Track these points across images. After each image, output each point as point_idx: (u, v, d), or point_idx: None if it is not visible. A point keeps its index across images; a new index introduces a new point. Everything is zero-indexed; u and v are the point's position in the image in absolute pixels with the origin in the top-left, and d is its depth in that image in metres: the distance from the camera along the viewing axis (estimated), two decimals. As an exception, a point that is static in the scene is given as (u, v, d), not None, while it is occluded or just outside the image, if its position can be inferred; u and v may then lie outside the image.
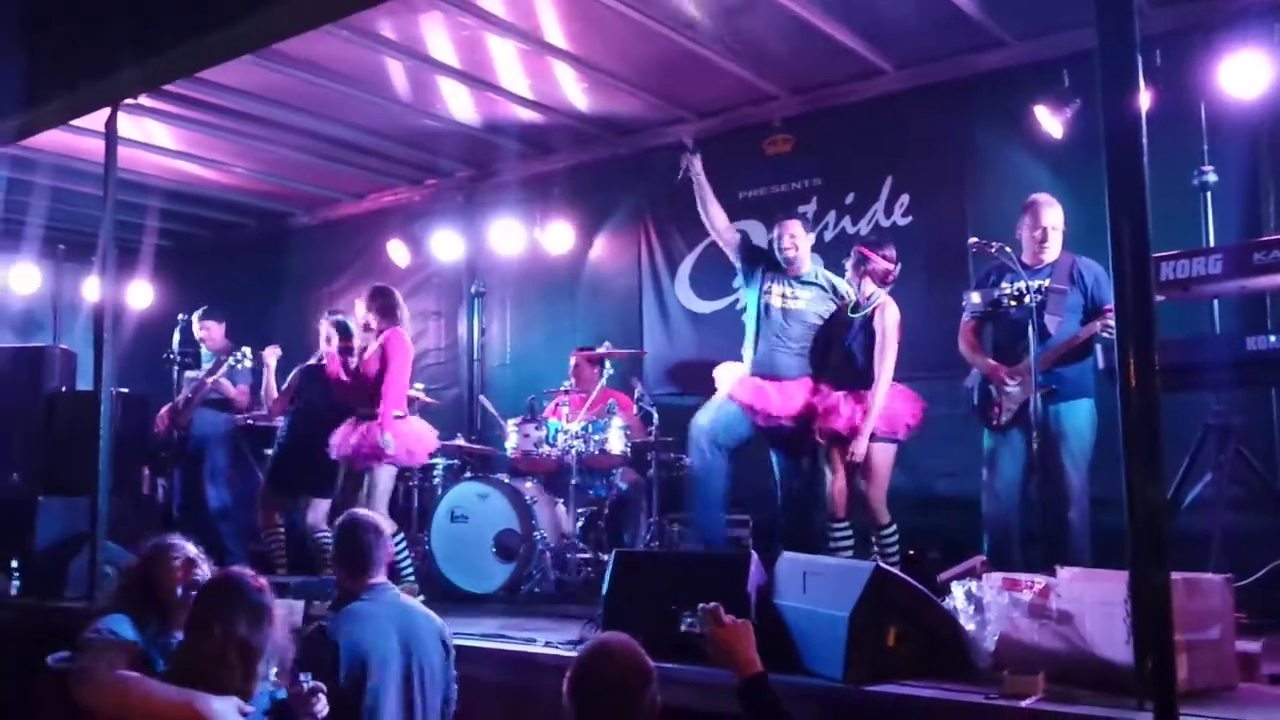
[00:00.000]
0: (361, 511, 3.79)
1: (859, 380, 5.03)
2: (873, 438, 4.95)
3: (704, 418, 5.42)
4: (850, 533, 5.16)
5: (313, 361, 6.53)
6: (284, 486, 6.33)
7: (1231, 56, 5.05)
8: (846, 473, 5.05)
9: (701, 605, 2.71)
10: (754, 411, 5.28)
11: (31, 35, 5.26)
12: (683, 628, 2.72)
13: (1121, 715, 2.68)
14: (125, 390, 7.02)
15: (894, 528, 5.06)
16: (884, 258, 5.15)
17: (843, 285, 5.42)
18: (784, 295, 5.39)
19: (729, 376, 5.51)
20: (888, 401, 4.98)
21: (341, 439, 5.65)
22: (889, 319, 5.04)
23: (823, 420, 5.07)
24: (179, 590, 3.06)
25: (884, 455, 4.99)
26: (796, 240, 5.39)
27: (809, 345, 5.34)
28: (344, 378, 5.83)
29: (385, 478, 5.62)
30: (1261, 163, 5.30)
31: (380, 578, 3.48)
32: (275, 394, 6.47)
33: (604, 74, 6.38)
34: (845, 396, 5.03)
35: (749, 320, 5.52)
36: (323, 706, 2.82)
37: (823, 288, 5.43)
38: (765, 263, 5.53)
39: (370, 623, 3.32)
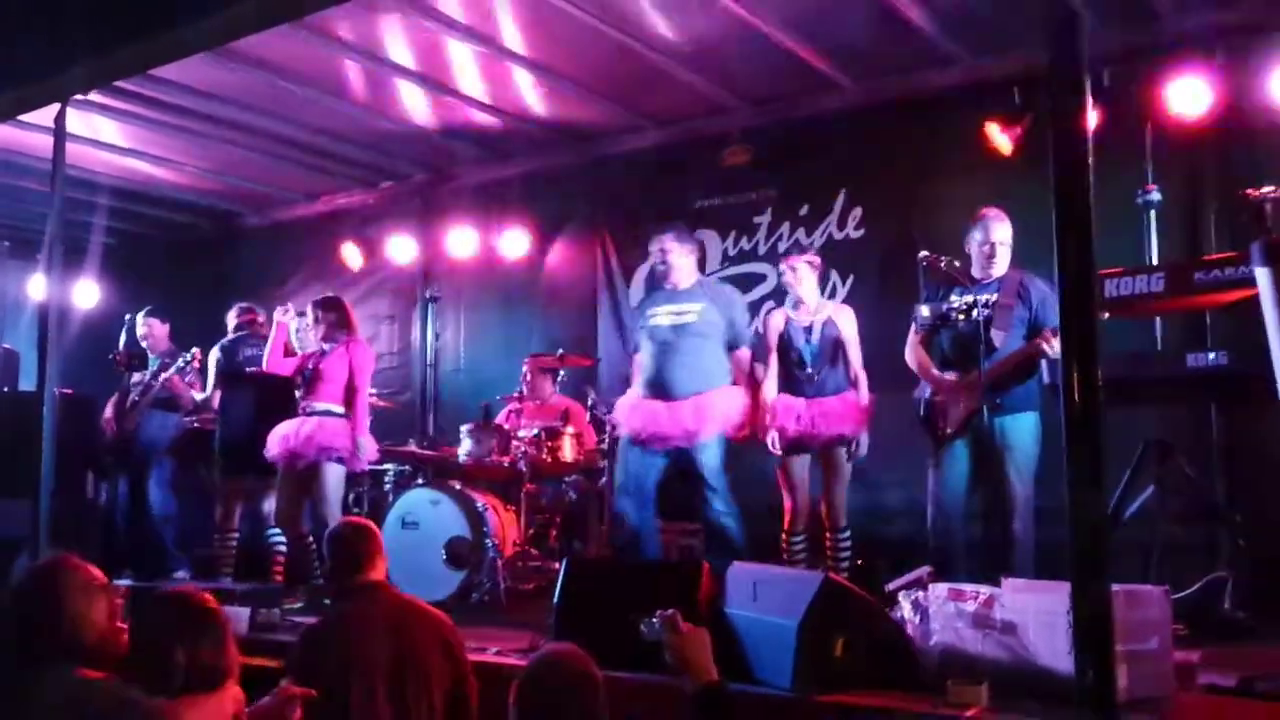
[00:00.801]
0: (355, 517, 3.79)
1: (835, 384, 5.24)
2: (842, 442, 5.17)
3: (619, 476, 5.31)
4: (806, 544, 5.27)
5: (229, 340, 6.56)
6: (240, 467, 6.21)
7: (1175, 79, 5.18)
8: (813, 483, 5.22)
9: (659, 612, 2.72)
10: (645, 435, 5.11)
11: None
12: (644, 633, 2.72)
13: (1062, 724, 2.73)
14: (69, 391, 6.87)
15: (849, 531, 5.19)
16: (814, 256, 5.47)
17: (728, 295, 5.36)
18: (672, 313, 5.21)
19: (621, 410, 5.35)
20: (850, 404, 5.18)
21: (293, 433, 5.60)
22: (847, 319, 5.31)
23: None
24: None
25: (845, 461, 5.20)
26: (669, 255, 5.25)
27: (702, 360, 5.13)
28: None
29: (335, 478, 5.61)
30: (1203, 183, 5.44)
31: (375, 576, 3.44)
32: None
33: (562, 80, 6.39)
34: (830, 403, 5.21)
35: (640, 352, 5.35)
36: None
37: (711, 300, 5.25)
38: (647, 293, 5.40)
39: (362, 621, 3.29)
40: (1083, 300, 2.91)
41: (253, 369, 6.32)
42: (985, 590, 3.25)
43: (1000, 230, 4.82)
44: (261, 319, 6.66)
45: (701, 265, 6.93)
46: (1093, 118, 4.33)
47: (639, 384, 5.28)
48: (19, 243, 9.02)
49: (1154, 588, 3.22)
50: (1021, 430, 4.60)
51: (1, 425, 6.24)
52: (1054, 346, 4.25)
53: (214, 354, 6.56)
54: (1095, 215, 2.89)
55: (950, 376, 4.75)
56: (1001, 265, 4.81)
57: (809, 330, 5.31)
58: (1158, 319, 4.97)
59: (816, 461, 5.27)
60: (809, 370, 5.27)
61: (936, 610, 3.29)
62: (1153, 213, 5.07)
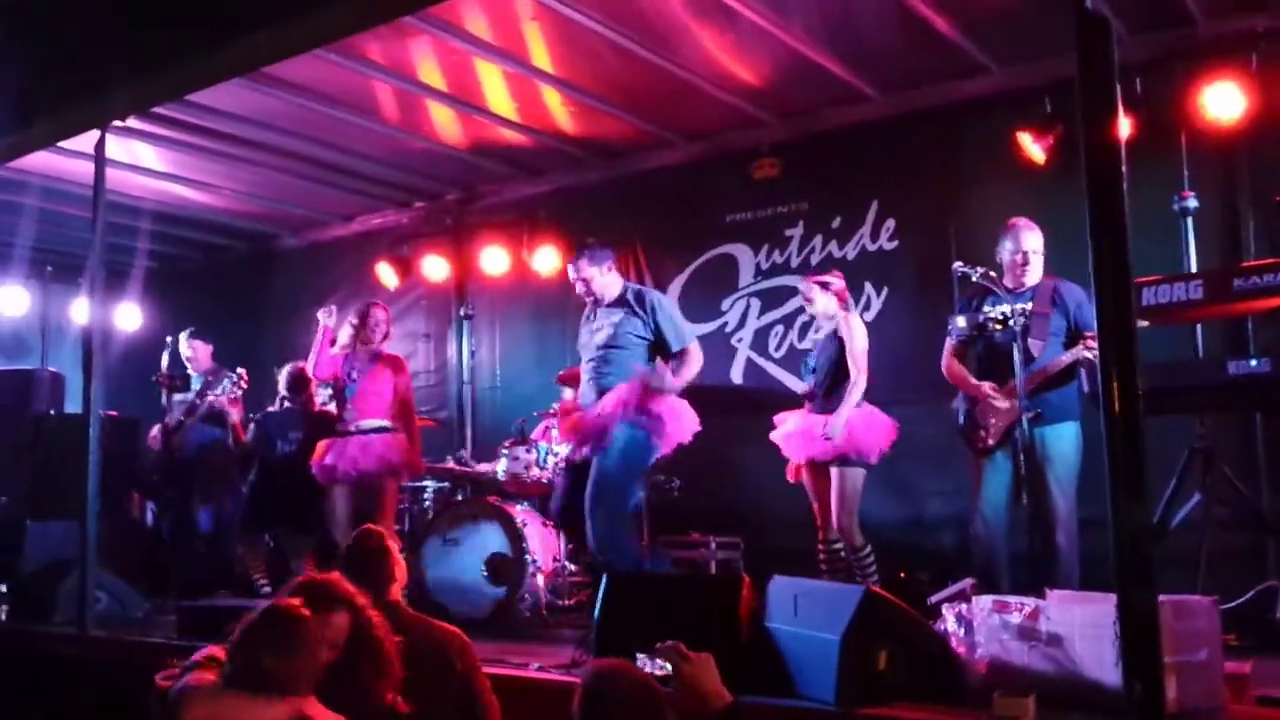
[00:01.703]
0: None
1: (834, 399, 5.21)
2: (841, 462, 5.08)
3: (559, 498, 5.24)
4: (843, 549, 5.26)
5: (271, 409, 6.68)
6: (265, 519, 6.34)
7: (1210, 84, 5.14)
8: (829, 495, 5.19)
9: (659, 645, 2.67)
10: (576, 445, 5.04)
11: (23, 57, 5.29)
12: (655, 672, 2.68)
13: (1111, 736, 2.71)
14: (114, 413, 6.99)
15: (869, 548, 5.16)
16: (839, 279, 5.42)
17: (652, 303, 5.11)
18: (591, 331, 5.15)
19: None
20: (859, 427, 5.11)
21: (348, 451, 5.66)
22: (853, 324, 5.27)
23: (805, 442, 5.19)
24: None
25: (852, 480, 5.11)
26: (591, 284, 5.11)
27: (607, 369, 5.00)
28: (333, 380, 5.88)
29: (393, 493, 5.69)
30: (1240, 188, 5.39)
31: (393, 595, 3.45)
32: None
33: (591, 98, 6.43)
34: (824, 419, 5.18)
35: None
36: None
37: (629, 307, 5.06)
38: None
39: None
40: (1120, 308, 2.90)
41: (289, 451, 6.41)
42: (1030, 602, 3.23)
43: (1031, 239, 4.80)
44: (314, 393, 6.71)
45: (734, 280, 7.02)
46: (1125, 125, 4.34)
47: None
48: (62, 268, 9.17)
49: (1202, 598, 3.19)
50: (1062, 440, 4.57)
51: (49, 448, 6.36)
52: (1095, 351, 4.22)
53: (253, 428, 6.72)
54: (1131, 223, 2.88)
55: (989, 387, 4.72)
56: (1034, 274, 4.79)
57: (814, 349, 5.42)
58: (1198, 326, 4.93)
59: (827, 477, 5.21)
60: (811, 387, 5.36)
61: (981, 623, 3.27)
62: (1189, 219, 5.03)
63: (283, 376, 6.71)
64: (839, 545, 5.25)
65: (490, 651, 4.44)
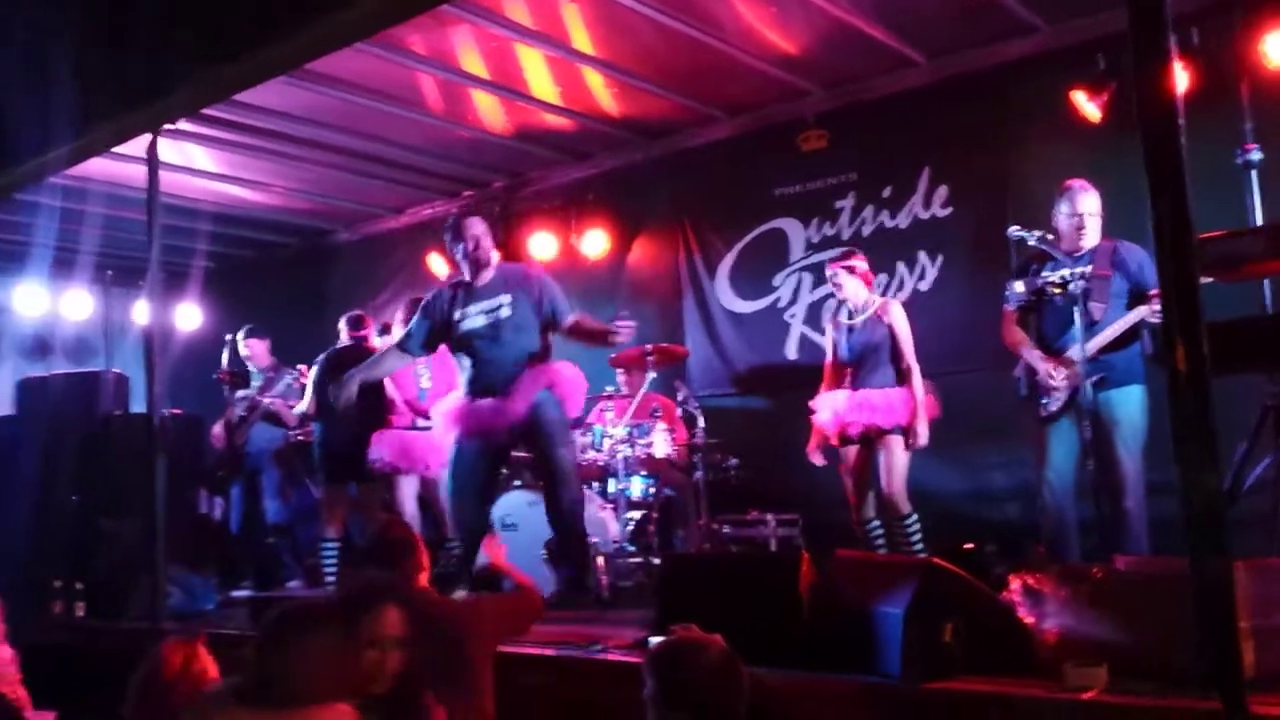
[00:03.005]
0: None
1: (882, 378, 5.18)
2: (892, 432, 5.10)
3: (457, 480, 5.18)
4: (883, 530, 5.25)
5: (332, 353, 6.56)
6: (341, 476, 6.31)
7: (1271, 31, 4.96)
8: (871, 473, 5.20)
9: (673, 627, 2.65)
10: (472, 435, 5.05)
11: (77, 65, 5.37)
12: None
13: (1187, 705, 2.64)
14: (178, 411, 7.12)
15: (914, 516, 5.12)
16: (862, 260, 5.39)
17: (525, 276, 5.21)
18: (484, 312, 5.08)
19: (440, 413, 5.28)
20: (894, 398, 5.13)
21: (416, 445, 5.77)
22: (896, 313, 5.24)
23: (866, 417, 5.14)
24: None
25: (901, 448, 5.11)
26: (482, 240, 5.11)
27: (518, 353, 5.04)
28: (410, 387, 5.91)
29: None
30: (1308, 138, 5.21)
31: (421, 584, 3.47)
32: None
33: (633, 78, 6.40)
34: (869, 395, 5.17)
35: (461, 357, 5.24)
36: None
37: (516, 287, 5.10)
38: (446, 301, 5.19)
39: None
40: (1182, 266, 2.81)
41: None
42: (1099, 570, 3.16)
43: (1087, 201, 4.68)
44: (371, 332, 6.71)
45: (784, 255, 6.95)
46: (1183, 78, 4.21)
47: (464, 389, 5.18)
48: (122, 271, 9.34)
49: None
50: (1128, 404, 4.47)
51: (116, 447, 6.50)
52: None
53: (314, 369, 6.65)
54: (1191, 178, 2.80)
55: (1050, 353, 4.62)
56: (1092, 237, 4.67)
57: (851, 330, 5.34)
58: (1265, 282, 4.78)
59: (870, 452, 5.21)
60: (849, 367, 5.32)
61: (1049, 592, 3.21)
62: (1254, 173, 4.86)
63: (344, 319, 6.71)
64: (876, 525, 5.24)
65: (552, 634, 4.47)
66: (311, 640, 2.42)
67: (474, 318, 5.07)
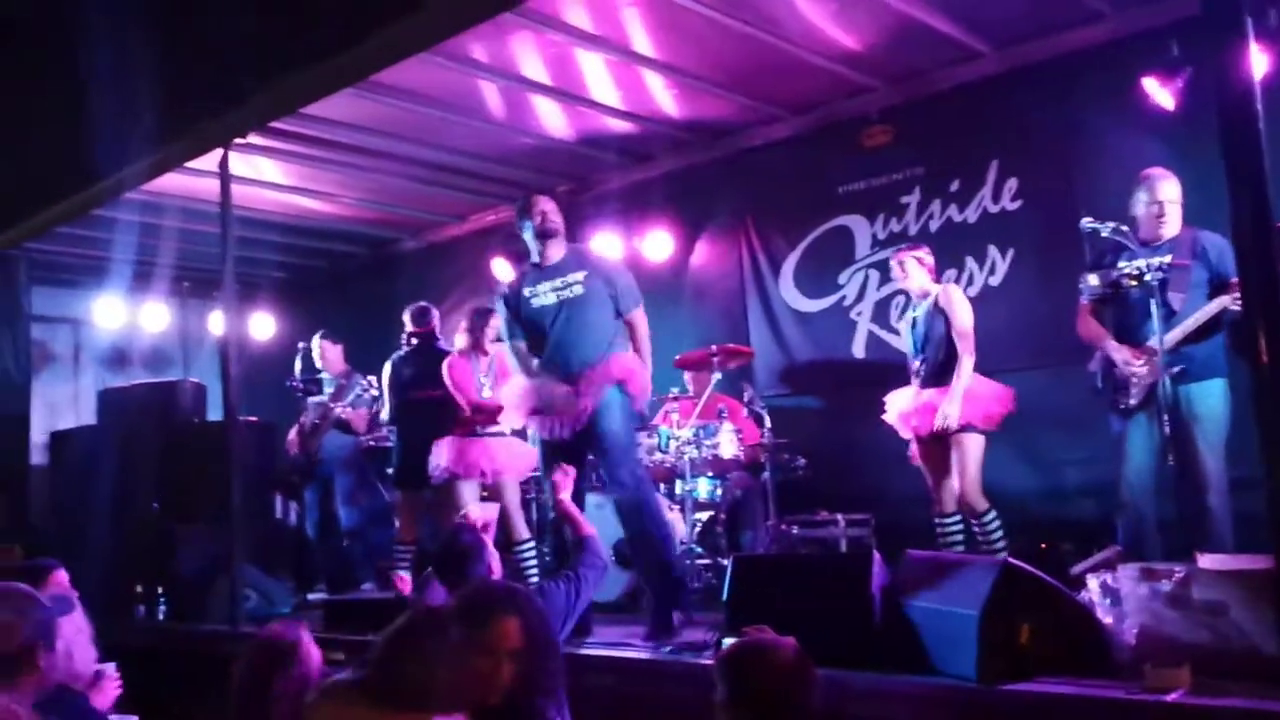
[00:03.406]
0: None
1: (945, 374, 5.10)
2: (961, 429, 5.00)
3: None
4: (961, 526, 5.15)
5: (398, 356, 6.61)
6: (416, 483, 6.28)
7: (1356, 9, 4.79)
8: (947, 468, 5.11)
9: (745, 630, 2.62)
10: (534, 414, 4.86)
11: (150, 83, 5.52)
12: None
13: (1273, 707, 2.56)
14: (254, 419, 7.27)
15: (993, 514, 5.03)
16: (927, 253, 5.34)
17: (599, 259, 5.05)
18: (554, 290, 4.91)
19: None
20: (971, 393, 5.03)
21: (476, 453, 5.73)
22: (955, 298, 5.15)
23: (923, 423, 5.10)
24: None
25: (974, 446, 5.02)
26: (549, 214, 4.95)
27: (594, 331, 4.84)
28: (473, 392, 5.93)
29: (517, 489, 5.77)
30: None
31: None
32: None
33: (694, 79, 6.38)
34: (937, 393, 5.09)
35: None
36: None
37: (591, 268, 4.92)
38: (516, 282, 5.08)
39: None
40: (1263, 256, 2.74)
41: (416, 393, 6.38)
42: (1180, 568, 3.08)
43: (1167, 189, 4.56)
44: (437, 326, 6.74)
45: (850, 252, 6.89)
46: (1261, 62, 4.09)
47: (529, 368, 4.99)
48: (198, 282, 9.61)
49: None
50: (1209, 397, 4.34)
51: (194, 455, 6.65)
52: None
53: (386, 369, 6.70)
54: (1271, 165, 2.72)
55: (1129, 348, 4.51)
56: (1173, 226, 4.55)
57: (915, 323, 5.28)
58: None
59: (943, 446, 5.13)
60: (916, 361, 5.26)
61: (1129, 592, 3.13)
62: (1338, 158, 4.70)
63: (407, 313, 6.69)
64: (953, 521, 5.16)
65: (620, 635, 4.48)
66: (441, 645, 2.46)
67: (544, 295, 4.90)
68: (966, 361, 5.03)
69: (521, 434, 5.98)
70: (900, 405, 5.27)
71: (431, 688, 2.40)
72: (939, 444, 5.14)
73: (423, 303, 6.77)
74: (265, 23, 5.18)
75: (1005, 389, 5.11)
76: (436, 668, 2.41)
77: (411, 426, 6.30)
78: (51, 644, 2.74)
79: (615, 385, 4.76)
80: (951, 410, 4.96)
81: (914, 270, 5.28)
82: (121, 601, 6.29)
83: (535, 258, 5.01)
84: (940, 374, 5.12)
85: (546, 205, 4.99)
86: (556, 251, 4.96)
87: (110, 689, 3.45)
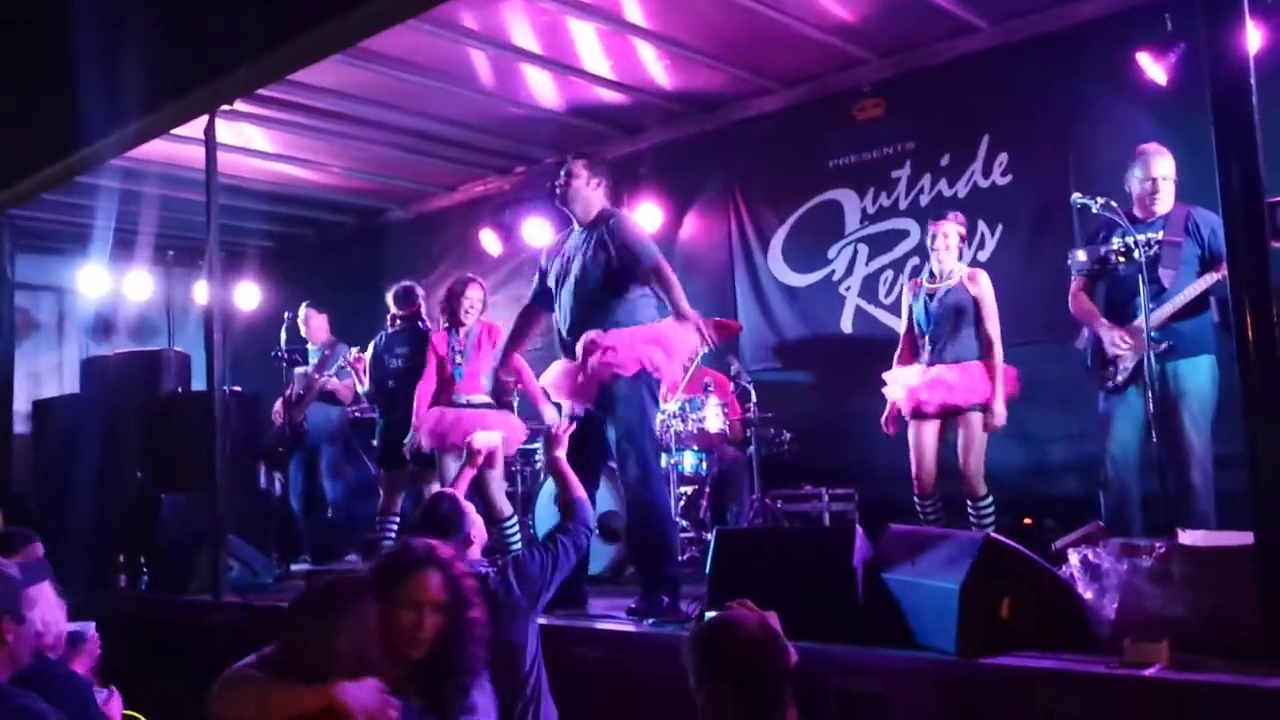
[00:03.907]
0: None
1: (960, 348, 5.02)
2: (972, 408, 4.94)
3: None
4: (940, 507, 5.14)
5: (383, 337, 6.56)
6: (399, 460, 6.33)
7: (1351, -15, 4.76)
8: (936, 450, 5.06)
9: (729, 603, 2.62)
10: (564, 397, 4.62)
11: (134, 49, 5.45)
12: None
13: (1251, 682, 2.57)
14: (238, 389, 7.24)
15: (990, 498, 5.00)
16: (964, 223, 5.22)
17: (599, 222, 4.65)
18: (570, 256, 4.66)
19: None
20: (973, 372, 4.98)
21: (451, 426, 5.67)
22: (985, 282, 5.07)
23: (941, 396, 5.01)
24: None
25: (979, 428, 4.95)
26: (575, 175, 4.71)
27: (583, 309, 4.57)
28: (458, 360, 5.88)
29: (502, 460, 5.73)
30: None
31: (472, 557, 3.46)
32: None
33: (686, 50, 6.33)
34: (951, 369, 5.00)
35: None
36: None
37: (600, 238, 4.60)
38: (549, 248, 4.92)
39: None
40: (1252, 231, 2.73)
41: (399, 375, 6.31)
42: (1161, 544, 3.08)
43: (1161, 165, 4.53)
44: (422, 307, 6.65)
45: (839, 226, 6.86)
46: (1256, 38, 4.06)
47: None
48: (183, 251, 9.53)
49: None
50: (1196, 374, 4.33)
51: (179, 425, 6.62)
52: None
53: (369, 350, 6.64)
54: (1263, 141, 2.71)
55: (1117, 322, 4.49)
56: (1165, 202, 4.52)
57: (933, 295, 5.15)
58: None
59: (948, 430, 5.06)
60: (926, 338, 5.13)
61: (1110, 567, 3.13)
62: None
63: (390, 294, 6.57)
64: (932, 502, 5.09)
65: (603, 607, 4.48)
66: (337, 617, 2.41)
67: (555, 264, 4.73)
68: (999, 347, 4.97)
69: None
70: (908, 380, 5.10)
71: (332, 655, 2.37)
72: (936, 423, 5.05)
73: (407, 282, 6.64)
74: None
75: (1010, 369, 5.05)
76: (337, 634, 2.38)
77: (394, 408, 6.27)
78: (19, 615, 2.63)
79: (622, 365, 4.39)
80: (1000, 409, 4.91)
81: (952, 241, 5.11)
82: (104, 571, 6.27)
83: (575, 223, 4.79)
84: (953, 352, 5.01)
85: (570, 167, 4.78)
86: (583, 216, 4.73)
87: (92, 650, 3.43)
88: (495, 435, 4.52)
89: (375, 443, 6.47)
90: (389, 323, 6.61)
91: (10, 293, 8.97)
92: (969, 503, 5.03)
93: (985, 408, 4.93)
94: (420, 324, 6.51)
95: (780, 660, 2.33)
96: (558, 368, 4.67)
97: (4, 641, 2.57)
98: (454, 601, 2.69)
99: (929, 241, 5.20)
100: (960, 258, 5.25)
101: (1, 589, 2.61)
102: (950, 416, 5.01)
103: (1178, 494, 4.24)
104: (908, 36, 6.28)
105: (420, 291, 6.65)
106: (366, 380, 6.68)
